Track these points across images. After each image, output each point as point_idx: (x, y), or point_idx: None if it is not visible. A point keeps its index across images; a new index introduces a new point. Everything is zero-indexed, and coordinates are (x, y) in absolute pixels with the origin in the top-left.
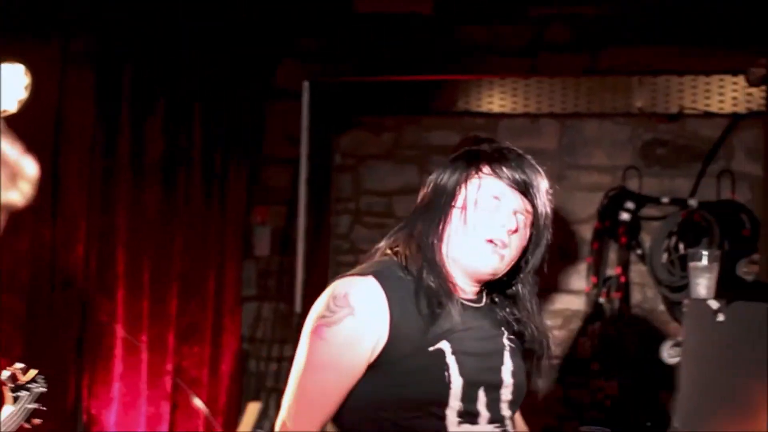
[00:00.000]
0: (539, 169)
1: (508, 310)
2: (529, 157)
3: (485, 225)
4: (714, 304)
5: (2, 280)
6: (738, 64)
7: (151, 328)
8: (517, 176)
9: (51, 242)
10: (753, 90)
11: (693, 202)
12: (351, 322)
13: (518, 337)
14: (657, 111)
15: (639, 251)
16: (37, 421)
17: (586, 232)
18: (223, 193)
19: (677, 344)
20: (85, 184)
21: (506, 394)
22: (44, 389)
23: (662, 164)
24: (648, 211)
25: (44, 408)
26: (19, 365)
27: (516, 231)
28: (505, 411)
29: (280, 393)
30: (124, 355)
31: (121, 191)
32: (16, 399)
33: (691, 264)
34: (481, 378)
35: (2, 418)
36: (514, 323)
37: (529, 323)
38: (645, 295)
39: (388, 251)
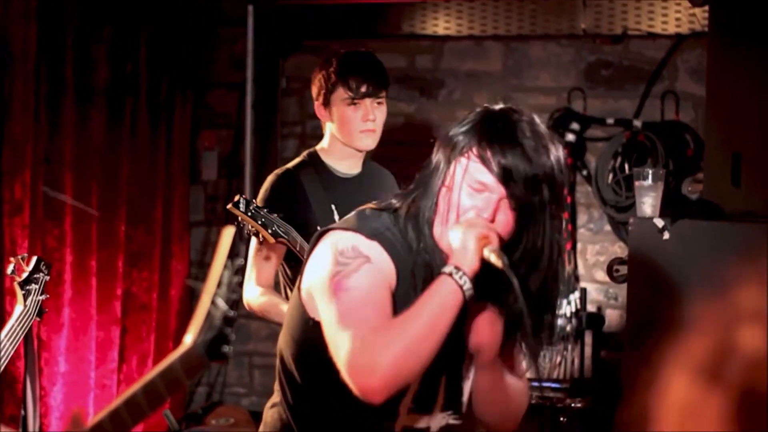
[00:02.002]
0: (549, 147)
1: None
2: (539, 130)
3: (464, 212)
4: (659, 223)
5: None
6: None
7: (100, 253)
8: (504, 162)
9: None
10: (696, 10)
11: (637, 123)
12: (369, 268)
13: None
14: (601, 32)
15: (584, 172)
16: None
17: None
18: (169, 118)
19: (623, 263)
20: (31, 110)
21: (466, 384)
22: (48, 276)
23: (607, 85)
24: (593, 132)
25: (48, 296)
26: (23, 256)
27: (493, 221)
28: (465, 396)
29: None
30: (74, 280)
31: (67, 117)
32: (25, 295)
33: (637, 183)
34: (445, 364)
35: (14, 319)
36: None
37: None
38: (591, 215)
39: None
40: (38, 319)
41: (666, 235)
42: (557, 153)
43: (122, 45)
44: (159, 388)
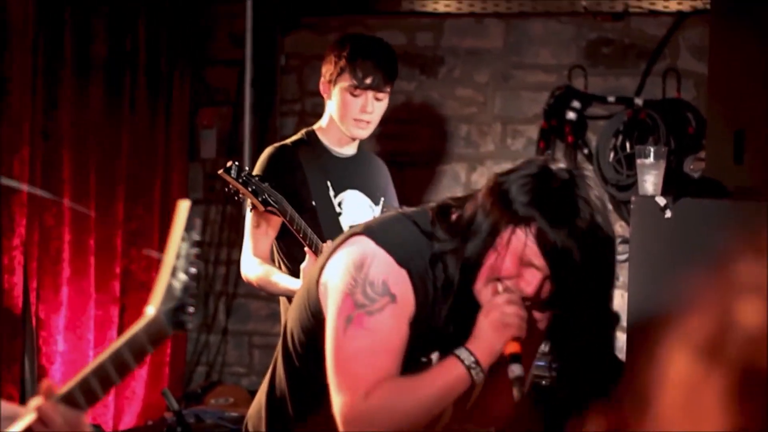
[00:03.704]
0: (605, 228)
1: None
2: (599, 206)
3: (507, 279)
4: (661, 201)
5: None
6: None
7: (99, 231)
8: (562, 247)
9: None
10: None
11: (639, 101)
12: (393, 309)
13: None
14: (602, 10)
15: (585, 150)
16: None
17: (532, 131)
18: (168, 95)
19: (625, 241)
20: (29, 85)
21: None
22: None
23: (607, 63)
24: (594, 110)
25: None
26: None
27: (535, 296)
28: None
29: (228, 296)
30: (72, 258)
31: (65, 92)
32: None
33: (639, 161)
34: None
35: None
36: None
37: None
38: None
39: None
40: None
41: (668, 214)
42: (611, 232)
43: (121, 20)
44: (126, 358)
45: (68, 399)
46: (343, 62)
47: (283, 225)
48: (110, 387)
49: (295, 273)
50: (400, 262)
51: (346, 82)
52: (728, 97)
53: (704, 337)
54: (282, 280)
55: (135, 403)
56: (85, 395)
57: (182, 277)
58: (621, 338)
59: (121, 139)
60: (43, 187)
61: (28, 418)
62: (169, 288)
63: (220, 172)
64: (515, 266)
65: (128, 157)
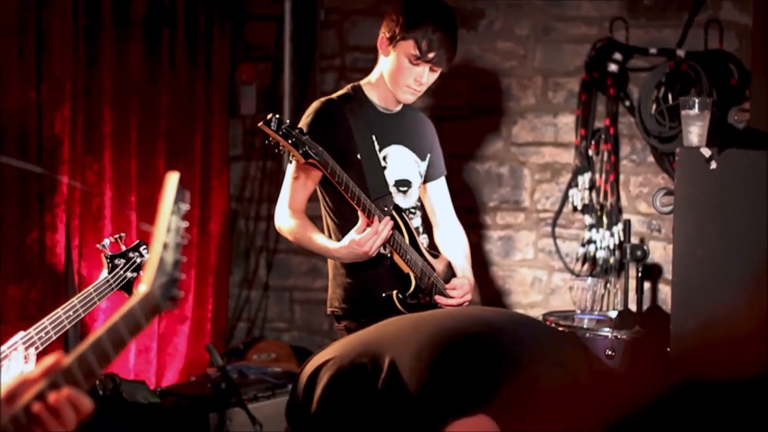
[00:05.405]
0: None
1: None
2: None
3: None
4: (706, 152)
5: None
6: None
7: (140, 187)
8: None
9: (37, 104)
10: None
11: (680, 53)
12: None
13: None
14: None
15: (627, 103)
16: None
17: (573, 84)
18: (207, 51)
19: (670, 193)
20: (69, 44)
21: None
22: (145, 258)
23: (649, 15)
24: (635, 62)
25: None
26: (121, 234)
27: None
28: None
29: (269, 252)
30: (114, 215)
31: (105, 50)
32: (113, 267)
33: (683, 112)
34: None
35: (95, 284)
36: None
37: None
38: (634, 146)
39: None
40: (126, 294)
41: (713, 165)
42: None
43: None
44: (122, 333)
45: (68, 374)
46: (409, 30)
47: (327, 179)
48: (107, 363)
49: (342, 228)
50: None
51: (408, 49)
52: None
53: (751, 288)
54: (318, 239)
55: (177, 360)
56: (84, 373)
57: (173, 251)
58: (665, 290)
59: (161, 95)
60: (84, 144)
61: (29, 399)
62: (161, 263)
63: (260, 124)
64: None
65: (168, 114)
